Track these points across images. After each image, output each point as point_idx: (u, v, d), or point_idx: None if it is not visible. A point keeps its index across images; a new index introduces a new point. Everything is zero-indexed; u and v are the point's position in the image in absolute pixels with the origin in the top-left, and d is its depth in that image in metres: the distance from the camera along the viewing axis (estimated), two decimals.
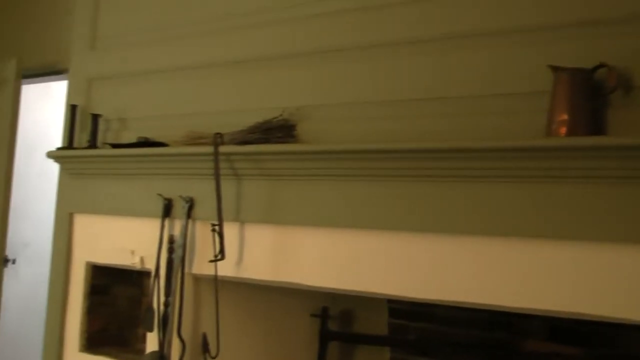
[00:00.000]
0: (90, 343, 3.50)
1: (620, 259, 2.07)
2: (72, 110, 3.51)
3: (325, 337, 3.37)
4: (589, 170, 2.10)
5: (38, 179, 5.48)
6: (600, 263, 2.10)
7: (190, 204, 3.00)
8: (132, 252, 3.25)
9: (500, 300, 2.29)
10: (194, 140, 3.01)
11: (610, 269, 2.09)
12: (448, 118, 2.43)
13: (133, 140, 3.24)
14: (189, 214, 3.00)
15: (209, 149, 2.83)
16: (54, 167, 3.65)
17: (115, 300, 3.64)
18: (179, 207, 3.04)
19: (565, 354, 2.94)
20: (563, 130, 2.15)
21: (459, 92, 2.44)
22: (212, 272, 2.87)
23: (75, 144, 3.50)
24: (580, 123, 2.14)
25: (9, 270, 5.46)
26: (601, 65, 2.12)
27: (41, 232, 5.16)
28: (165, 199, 3.08)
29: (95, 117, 3.42)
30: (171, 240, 3.04)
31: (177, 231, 3.05)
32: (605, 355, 3.02)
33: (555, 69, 2.18)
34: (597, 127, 2.13)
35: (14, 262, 5.54)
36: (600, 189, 2.09)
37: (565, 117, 2.15)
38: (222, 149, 2.82)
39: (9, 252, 5.38)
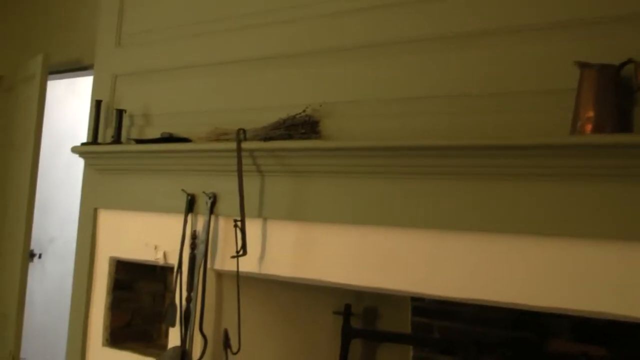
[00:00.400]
0: (114, 338, 3.51)
1: None
2: (96, 106, 3.53)
3: (347, 335, 3.36)
4: (616, 168, 2.07)
5: (64, 174, 5.52)
6: (627, 263, 2.07)
7: (213, 200, 3.00)
8: (156, 248, 3.26)
9: (526, 300, 2.27)
10: (218, 136, 3.01)
11: (636, 269, 2.06)
12: (473, 115, 2.41)
13: (157, 136, 3.24)
14: (211, 210, 3.00)
15: (232, 144, 2.82)
16: (80, 163, 3.66)
17: (139, 295, 3.65)
18: (202, 203, 3.04)
19: (591, 354, 2.91)
20: (589, 127, 2.12)
21: (483, 89, 2.41)
22: (234, 268, 2.87)
23: (100, 140, 3.52)
24: (607, 120, 2.11)
25: (35, 265, 5.50)
26: (628, 62, 2.09)
27: (67, 227, 5.20)
28: (189, 194, 3.08)
29: (120, 113, 3.43)
30: (194, 236, 3.04)
31: (200, 227, 3.05)
32: (632, 356, 2.99)
33: (581, 65, 2.15)
34: (623, 124, 2.10)
35: (39, 256, 5.58)
36: (628, 187, 2.06)
37: (591, 114, 2.12)
38: (245, 145, 2.81)
39: (35, 247, 5.42)
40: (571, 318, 3.06)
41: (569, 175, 2.15)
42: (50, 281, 5.56)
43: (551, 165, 2.17)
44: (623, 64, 2.10)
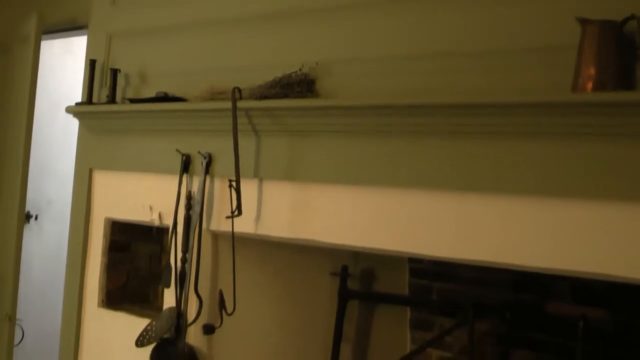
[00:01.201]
0: (110, 299, 3.50)
1: None
2: (91, 66, 3.48)
3: (344, 296, 3.35)
4: (617, 127, 2.02)
5: (62, 136, 5.48)
6: (627, 223, 2.04)
7: (209, 160, 2.96)
8: (151, 208, 3.23)
9: (525, 261, 2.24)
10: (213, 95, 2.97)
11: (637, 229, 2.02)
12: (473, 73, 2.36)
13: (152, 95, 3.20)
14: (207, 170, 2.97)
15: (227, 104, 2.78)
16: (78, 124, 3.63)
17: (135, 257, 3.64)
18: (198, 164, 3.01)
19: (590, 316, 2.89)
20: (590, 85, 2.07)
21: (484, 46, 2.36)
22: (230, 229, 2.84)
23: (95, 100, 3.48)
24: (608, 78, 2.06)
25: (32, 227, 5.49)
26: (631, 17, 2.04)
27: (65, 189, 5.16)
28: (184, 155, 3.05)
29: (115, 73, 3.39)
30: (189, 197, 3.01)
31: (195, 187, 3.02)
32: (630, 318, 2.97)
33: (583, 21, 2.09)
34: (625, 82, 2.05)
35: (36, 218, 5.57)
36: (629, 147, 2.02)
37: (592, 71, 2.07)
38: (241, 104, 2.77)
39: (32, 209, 5.41)
40: (570, 280, 3.04)
41: (568, 134, 2.11)
42: (48, 243, 5.55)
43: (551, 124, 2.12)
44: (625, 20, 2.04)
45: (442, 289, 3.48)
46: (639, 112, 1.97)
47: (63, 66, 5.59)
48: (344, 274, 3.37)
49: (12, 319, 4.15)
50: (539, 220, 2.19)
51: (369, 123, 2.50)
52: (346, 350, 3.44)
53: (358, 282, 3.52)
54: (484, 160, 2.27)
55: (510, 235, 2.24)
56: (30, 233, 5.42)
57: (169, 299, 3.07)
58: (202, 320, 2.96)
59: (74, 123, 3.69)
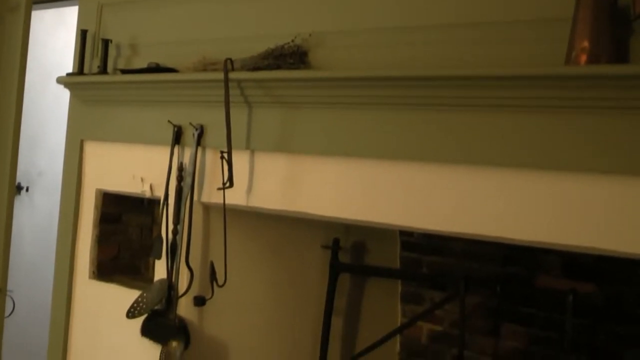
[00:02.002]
0: (101, 271, 3.49)
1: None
2: (82, 36, 3.45)
3: (335, 269, 3.35)
4: (610, 100, 2.01)
5: (54, 107, 5.45)
6: (618, 197, 2.04)
7: (200, 132, 2.95)
8: (142, 180, 3.22)
9: (515, 234, 2.23)
10: (205, 66, 2.95)
11: (630, 204, 2.02)
12: (466, 45, 2.34)
13: (144, 66, 3.17)
14: (198, 142, 2.95)
15: (219, 75, 2.76)
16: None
17: (126, 228, 3.63)
18: (189, 135, 2.99)
19: (579, 290, 2.91)
20: (583, 58, 2.06)
21: (478, 18, 2.34)
22: (221, 201, 2.83)
23: (86, 71, 3.45)
24: (602, 51, 2.04)
25: (23, 199, 5.47)
26: None
27: (56, 161, 5.13)
28: (175, 126, 3.03)
29: (106, 43, 3.36)
30: (180, 168, 3.00)
31: (187, 159, 3.00)
32: (619, 292, 2.99)
33: None
34: (620, 55, 2.04)
35: (27, 189, 5.55)
36: (622, 120, 2.01)
37: (586, 44, 2.06)
38: (233, 75, 2.75)
39: (23, 180, 5.39)
40: (560, 254, 3.06)
41: (560, 107, 2.10)
42: (39, 215, 5.54)
43: (545, 97, 2.11)
44: None
45: (433, 263, 3.49)
46: (632, 85, 1.96)
47: (55, 37, 5.55)
48: (335, 247, 3.37)
49: (2, 290, 4.15)
50: (532, 194, 2.18)
51: (362, 95, 2.49)
52: (337, 323, 3.46)
53: (349, 255, 3.52)
54: (477, 133, 2.26)
55: (500, 208, 2.24)
56: (21, 205, 5.41)
57: (160, 270, 3.07)
58: (193, 292, 2.95)
59: (65, 94, 3.67)
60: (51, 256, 3.70)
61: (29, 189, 5.56)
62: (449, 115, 2.31)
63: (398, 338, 3.57)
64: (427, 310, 3.40)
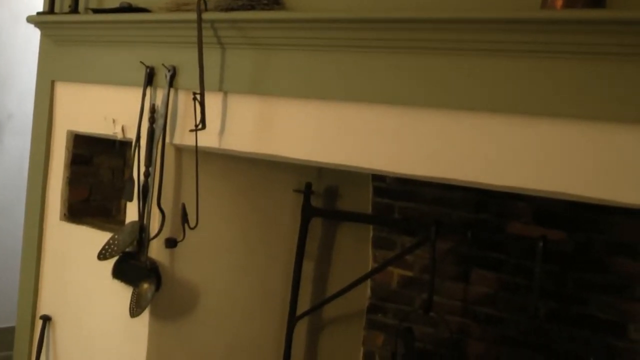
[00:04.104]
0: (72, 212, 3.47)
1: (613, 139, 2.00)
2: None
3: (307, 213, 3.35)
4: (586, 45, 2.01)
5: (23, 48, 5.36)
6: (592, 143, 2.04)
7: (173, 73, 2.92)
8: (114, 121, 3.19)
9: (489, 179, 2.23)
10: (178, 6, 2.91)
11: (602, 149, 2.03)
12: None
13: (116, 6, 3.12)
14: (171, 83, 2.92)
15: (193, 15, 2.72)
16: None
17: (98, 170, 3.60)
18: (162, 76, 2.96)
19: (550, 237, 2.93)
20: (560, 3, 2.05)
21: None
22: (193, 143, 2.82)
23: (57, 10, 3.39)
24: None
25: None
26: None
27: (26, 103, 5.06)
28: (148, 67, 2.99)
29: None
30: (153, 110, 2.97)
31: (159, 101, 2.98)
32: (589, 240, 3.02)
33: None
34: (595, 0, 2.03)
35: None
36: (597, 66, 2.00)
37: None
38: (206, 15, 2.71)
39: None
40: (531, 201, 3.08)
41: (536, 52, 2.09)
42: (10, 158, 5.48)
43: (520, 41, 2.10)
44: None
45: (404, 208, 3.51)
46: (607, 30, 1.95)
47: None
48: (307, 191, 3.37)
49: None
50: (507, 139, 2.18)
51: (337, 37, 2.46)
52: (308, 267, 3.47)
53: (322, 199, 3.52)
54: (452, 77, 2.25)
55: (475, 153, 2.24)
56: None
57: (132, 213, 3.06)
58: (165, 234, 2.95)
59: (35, 34, 3.60)
60: (22, 199, 3.67)
61: None
62: (424, 58, 2.30)
63: (369, 283, 3.59)
64: (397, 255, 3.43)
